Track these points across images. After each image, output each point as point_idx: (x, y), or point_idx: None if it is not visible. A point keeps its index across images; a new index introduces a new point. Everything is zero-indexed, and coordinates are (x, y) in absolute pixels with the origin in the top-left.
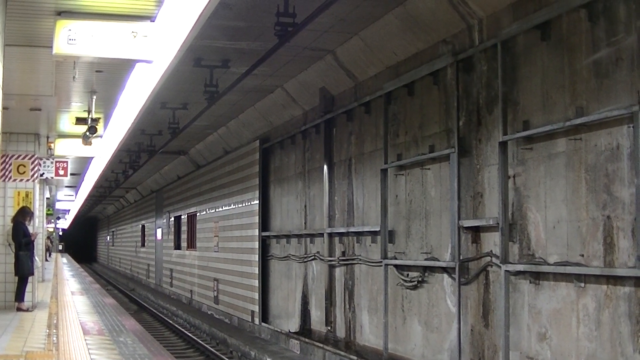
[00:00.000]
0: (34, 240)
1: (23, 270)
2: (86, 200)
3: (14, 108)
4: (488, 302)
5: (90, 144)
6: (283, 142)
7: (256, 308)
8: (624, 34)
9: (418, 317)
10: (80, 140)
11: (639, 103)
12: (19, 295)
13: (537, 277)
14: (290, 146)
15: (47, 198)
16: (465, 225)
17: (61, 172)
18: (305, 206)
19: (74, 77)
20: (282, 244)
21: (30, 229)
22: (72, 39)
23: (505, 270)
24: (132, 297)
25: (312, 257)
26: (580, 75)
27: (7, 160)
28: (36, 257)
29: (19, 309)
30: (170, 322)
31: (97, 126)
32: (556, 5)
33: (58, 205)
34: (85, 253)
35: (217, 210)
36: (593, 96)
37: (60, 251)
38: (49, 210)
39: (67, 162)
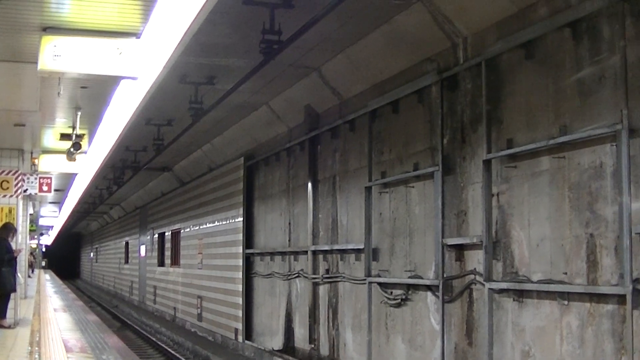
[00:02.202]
0: (16, 257)
1: (5, 287)
2: (70, 216)
3: None
4: (472, 320)
5: (74, 160)
6: (268, 159)
7: (240, 325)
8: (608, 52)
9: (402, 335)
10: (64, 156)
11: (622, 122)
12: (1, 311)
13: (520, 295)
14: (275, 163)
15: (30, 214)
16: (449, 243)
17: (45, 188)
18: (289, 223)
19: (58, 93)
20: (266, 261)
21: (13, 245)
22: (57, 55)
23: (489, 288)
24: (115, 314)
25: (296, 275)
26: (564, 94)
27: None
28: (19, 274)
29: (0, 326)
30: (154, 339)
31: (81, 142)
32: (540, 24)
33: (41, 222)
34: (69, 269)
35: (201, 227)
36: (577, 115)
37: (43, 267)
38: (32, 226)
39: (51, 178)
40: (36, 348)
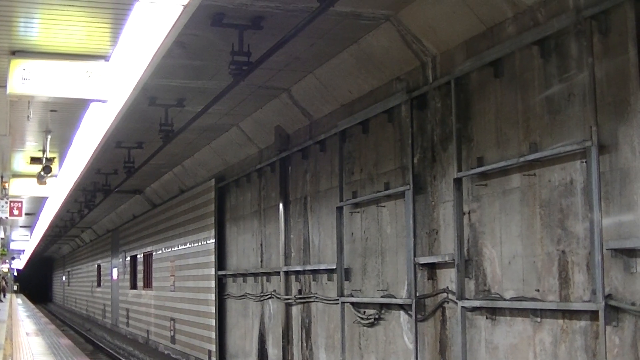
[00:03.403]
0: None
1: None
2: (41, 240)
3: None
4: (445, 339)
5: (45, 183)
6: (239, 180)
7: (213, 347)
8: (576, 70)
9: (375, 355)
10: (35, 179)
11: (591, 138)
12: None
13: (493, 312)
14: (246, 185)
15: (1, 238)
16: (421, 262)
17: (16, 212)
18: (261, 245)
19: (28, 117)
20: (239, 282)
21: None
22: (26, 79)
23: (462, 307)
24: (88, 338)
25: (269, 296)
26: (534, 112)
27: None
28: None
29: None
30: None
31: (51, 166)
32: (508, 42)
33: (13, 246)
34: (41, 293)
35: (173, 249)
36: (546, 132)
37: (15, 292)
38: (3, 250)
39: (21, 202)
40: None
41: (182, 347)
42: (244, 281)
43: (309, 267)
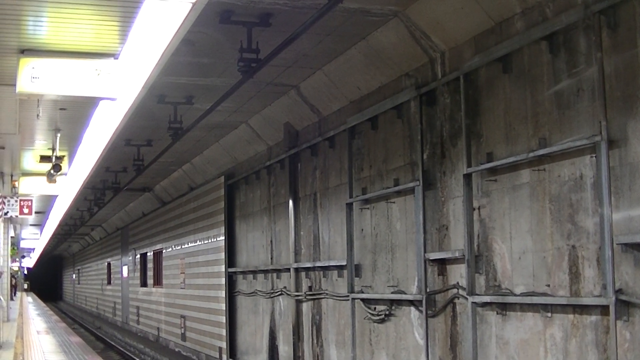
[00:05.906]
0: None
1: None
2: (51, 238)
3: None
4: (456, 334)
5: (54, 181)
6: (248, 177)
7: (224, 344)
8: (585, 65)
9: (386, 351)
10: (44, 178)
11: (601, 133)
12: None
13: (503, 308)
14: (255, 182)
15: (11, 237)
16: (431, 258)
17: (25, 210)
18: (271, 241)
19: (37, 115)
20: (249, 279)
21: None
22: (36, 77)
23: (472, 302)
24: (98, 336)
25: (279, 293)
26: (543, 107)
27: None
28: (1, 297)
29: None
30: None
31: (61, 164)
32: (517, 38)
33: (23, 244)
34: (51, 291)
35: (183, 246)
36: (555, 127)
37: (25, 290)
38: (13, 249)
39: (31, 200)
40: None
41: (192, 345)
42: (254, 278)
43: (319, 264)
